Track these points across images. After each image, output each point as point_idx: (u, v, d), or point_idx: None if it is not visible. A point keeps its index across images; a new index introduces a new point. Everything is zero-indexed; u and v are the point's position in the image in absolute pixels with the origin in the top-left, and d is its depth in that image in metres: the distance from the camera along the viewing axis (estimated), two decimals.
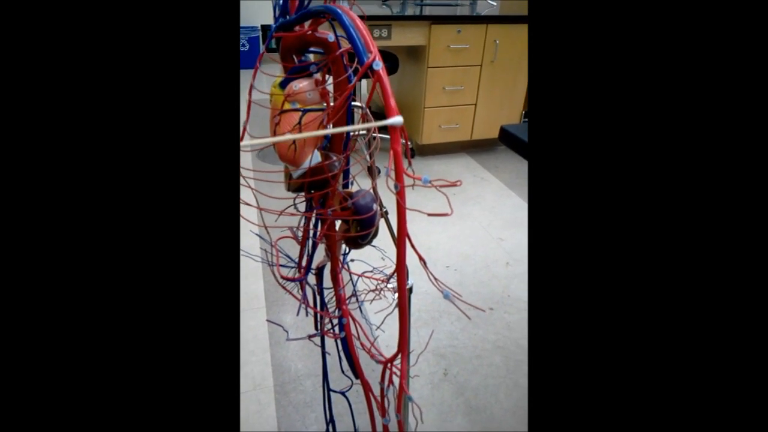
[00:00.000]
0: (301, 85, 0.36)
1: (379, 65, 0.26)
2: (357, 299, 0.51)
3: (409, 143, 2.48)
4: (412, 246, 0.30)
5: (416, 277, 1.63)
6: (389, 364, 0.36)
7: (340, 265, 0.48)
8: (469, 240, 1.83)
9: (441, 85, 2.22)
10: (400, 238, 0.28)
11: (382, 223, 0.41)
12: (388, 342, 1.32)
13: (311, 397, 1.16)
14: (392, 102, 0.26)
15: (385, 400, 0.44)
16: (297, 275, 0.48)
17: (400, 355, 0.34)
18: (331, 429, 0.72)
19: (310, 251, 0.43)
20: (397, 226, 0.28)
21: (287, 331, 0.89)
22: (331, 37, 0.35)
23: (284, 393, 1.18)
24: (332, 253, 0.45)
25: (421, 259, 0.30)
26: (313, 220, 0.42)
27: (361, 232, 0.36)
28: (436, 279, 0.32)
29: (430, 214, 0.35)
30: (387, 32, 2.03)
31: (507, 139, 0.64)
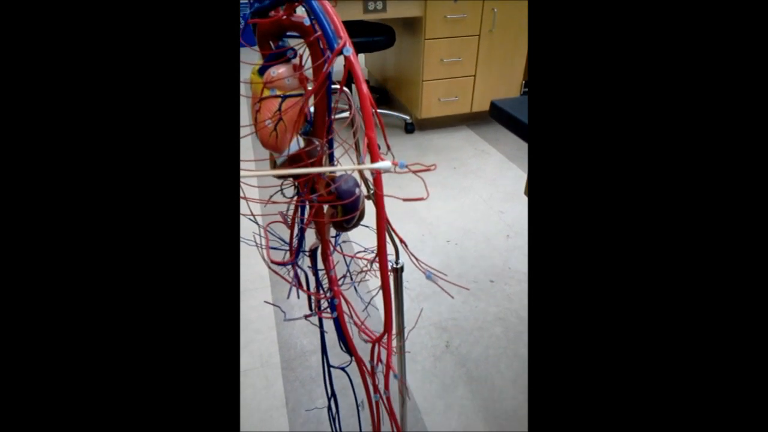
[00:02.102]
0: (279, 71, 0.36)
1: (349, 51, 0.26)
2: (351, 278, 0.52)
3: (408, 118, 2.45)
4: (392, 231, 0.30)
5: (417, 252, 1.64)
6: (377, 343, 0.37)
7: (331, 247, 0.49)
8: (469, 214, 1.83)
9: (439, 57, 2.18)
10: (380, 224, 0.28)
11: (370, 204, 0.42)
12: (378, 320, 1.35)
13: (317, 373, 1.19)
14: (364, 88, 0.26)
15: (378, 377, 0.46)
16: (288, 258, 0.48)
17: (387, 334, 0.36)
18: (333, 403, 0.75)
19: (299, 235, 0.44)
20: (375, 213, 0.29)
21: (284, 312, 0.91)
22: (308, 21, 0.34)
23: (291, 369, 1.21)
24: (321, 236, 0.45)
25: (402, 241, 0.30)
26: (299, 205, 0.43)
27: (345, 217, 0.36)
28: (417, 260, 0.32)
29: (405, 200, 0.35)
30: (382, 4, 1.98)
31: (499, 115, 0.62)
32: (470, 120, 2.59)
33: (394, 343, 0.44)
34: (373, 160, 0.27)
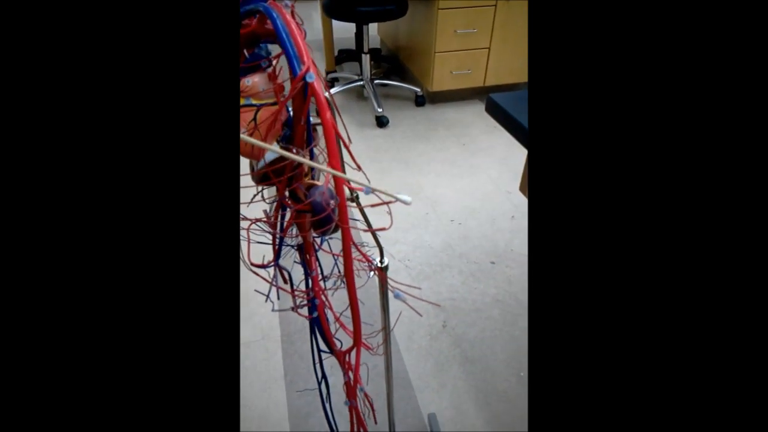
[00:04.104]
0: (253, 80, 0.35)
1: (312, 77, 0.26)
2: (340, 275, 0.53)
3: (418, 90, 2.39)
4: (362, 254, 0.30)
5: (420, 230, 1.64)
6: (348, 354, 0.38)
7: (316, 246, 0.50)
8: (476, 193, 1.82)
9: (452, 28, 2.10)
10: (346, 248, 0.29)
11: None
12: (369, 311, 1.37)
13: None
14: (328, 115, 0.26)
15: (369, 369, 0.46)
16: (271, 259, 0.49)
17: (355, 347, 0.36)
18: (324, 386, 0.77)
19: (280, 237, 0.45)
20: (342, 243, 0.29)
21: (273, 303, 0.94)
22: None
23: (290, 342, 1.25)
24: (304, 240, 0.46)
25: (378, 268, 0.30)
26: (280, 210, 0.43)
27: (319, 229, 0.36)
28: (394, 281, 0.33)
29: (372, 230, 0.35)
30: None
31: (495, 112, 0.60)
32: (483, 94, 2.52)
33: (379, 340, 0.45)
34: (338, 188, 0.27)
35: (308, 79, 0.26)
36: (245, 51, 0.35)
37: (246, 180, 0.43)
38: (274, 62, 0.35)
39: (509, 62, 2.29)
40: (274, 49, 0.37)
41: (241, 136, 0.30)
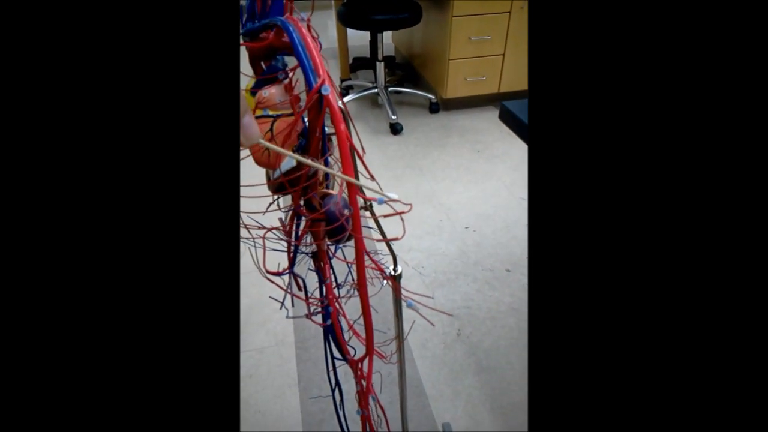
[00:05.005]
0: (270, 92, 0.36)
1: (327, 90, 0.26)
2: (353, 285, 0.53)
3: (432, 97, 2.40)
4: (374, 262, 0.30)
5: (435, 237, 1.64)
6: (360, 363, 0.39)
7: (331, 255, 0.50)
8: (490, 200, 1.81)
9: (467, 36, 2.10)
10: (359, 257, 0.29)
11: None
12: (383, 318, 1.37)
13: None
14: (342, 127, 0.26)
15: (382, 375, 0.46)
16: (286, 267, 0.50)
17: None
18: (338, 392, 0.77)
19: (293, 248, 0.45)
20: (355, 252, 0.29)
21: (287, 310, 0.94)
22: None
23: (304, 349, 1.26)
24: (318, 248, 0.46)
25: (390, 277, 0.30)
26: (296, 218, 0.43)
27: (332, 238, 0.37)
28: (400, 291, 0.33)
29: (381, 240, 0.35)
30: None
31: (508, 119, 0.60)
32: (498, 101, 2.51)
33: (392, 348, 0.45)
34: (352, 198, 0.27)
35: (324, 92, 0.26)
36: (262, 63, 0.36)
37: (263, 189, 0.44)
38: (290, 74, 0.36)
39: (524, 68, 2.28)
40: (291, 61, 0.38)
41: (260, 141, 0.31)
